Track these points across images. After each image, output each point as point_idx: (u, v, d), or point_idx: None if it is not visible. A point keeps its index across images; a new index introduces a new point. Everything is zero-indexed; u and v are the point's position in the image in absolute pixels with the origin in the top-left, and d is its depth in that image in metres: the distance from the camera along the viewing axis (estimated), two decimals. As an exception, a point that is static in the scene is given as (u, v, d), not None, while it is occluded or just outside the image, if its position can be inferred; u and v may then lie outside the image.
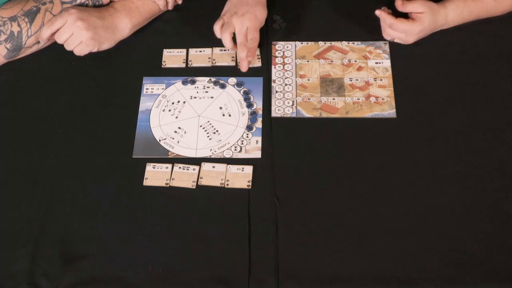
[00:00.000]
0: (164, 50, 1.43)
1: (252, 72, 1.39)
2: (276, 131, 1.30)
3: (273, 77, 1.38)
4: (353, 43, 1.42)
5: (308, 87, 1.36)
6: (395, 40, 1.40)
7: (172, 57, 1.42)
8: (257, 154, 1.26)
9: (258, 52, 1.41)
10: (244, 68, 1.38)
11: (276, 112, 1.32)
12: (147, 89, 1.37)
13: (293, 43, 1.43)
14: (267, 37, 1.44)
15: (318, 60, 1.40)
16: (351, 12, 1.47)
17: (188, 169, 1.24)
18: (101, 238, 1.17)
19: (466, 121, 1.29)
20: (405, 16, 1.37)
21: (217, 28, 1.40)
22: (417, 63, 1.38)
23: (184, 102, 1.35)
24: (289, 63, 1.40)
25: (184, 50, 1.43)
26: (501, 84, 1.35)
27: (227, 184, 1.22)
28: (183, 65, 1.41)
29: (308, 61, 1.40)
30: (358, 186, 1.21)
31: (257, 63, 1.41)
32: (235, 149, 1.27)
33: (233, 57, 1.41)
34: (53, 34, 1.35)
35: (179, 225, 1.18)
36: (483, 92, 1.34)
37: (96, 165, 1.26)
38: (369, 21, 1.42)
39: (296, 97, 1.34)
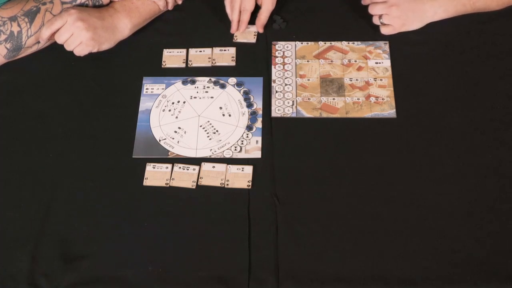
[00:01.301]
0: (164, 50, 1.43)
1: (252, 72, 1.39)
2: (276, 131, 1.30)
3: (273, 77, 1.38)
4: (353, 43, 1.42)
5: (308, 87, 1.36)
6: (385, 21, 1.38)
7: (172, 57, 1.42)
8: (257, 154, 1.26)
9: (255, 30, 1.44)
10: (231, 30, 1.44)
11: (276, 112, 1.32)
12: (147, 89, 1.37)
13: (293, 43, 1.43)
14: (267, 37, 1.44)
15: (318, 60, 1.40)
16: (351, 12, 1.47)
17: (188, 169, 1.24)
18: (101, 238, 1.17)
19: (466, 121, 1.29)
20: None
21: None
22: (417, 63, 1.38)
23: (184, 102, 1.35)
24: (289, 63, 1.40)
25: (184, 50, 1.43)
26: (501, 84, 1.35)
27: (227, 184, 1.22)
28: (183, 65, 1.41)
29: (308, 61, 1.40)
30: (358, 186, 1.21)
31: (252, 39, 1.43)
32: (235, 149, 1.27)
33: (233, 57, 1.41)
34: (53, 34, 1.35)
35: (179, 225, 1.18)
36: (483, 92, 1.34)
37: (96, 165, 1.26)
38: (369, 21, 1.42)
39: (296, 97, 1.34)
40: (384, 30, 1.40)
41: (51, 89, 1.38)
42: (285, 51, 1.42)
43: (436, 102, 1.32)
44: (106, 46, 1.39)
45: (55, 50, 1.39)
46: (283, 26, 1.46)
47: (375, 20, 1.41)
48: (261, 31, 1.44)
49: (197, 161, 1.25)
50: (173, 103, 1.35)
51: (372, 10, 1.40)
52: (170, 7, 1.47)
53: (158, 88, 1.37)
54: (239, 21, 1.44)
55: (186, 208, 1.20)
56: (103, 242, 1.16)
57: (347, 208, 1.18)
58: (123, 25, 1.40)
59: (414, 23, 1.40)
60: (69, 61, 1.40)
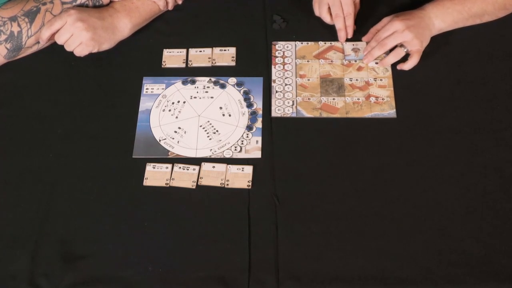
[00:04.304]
0: (164, 50, 1.43)
1: (252, 72, 1.39)
2: (276, 131, 1.30)
3: (273, 77, 1.38)
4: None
5: (308, 87, 1.36)
6: (410, 47, 1.34)
7: (172, 57, 1.42)
8: (257, 154, 1.26)
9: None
10: (341, 38, 1.41)
11: (276, 112, 1.32)
12: (147, 89, 1.37)
13: (293, 43, 1.43)
14: (267, 37, 1.44)
15: (318, 60, 1.40)
16: (351, 12, 1.47)
17: (188, 169, 1.24)
18: (101, 238, 1.17)
19: (466, 121, 1.29)
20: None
21: (315, 7, 1.45)
22: (417, 63, 1.38)
23: (184, 102, 1.35)
24: (289, 63, 1.40)
25: (184, 50, 1.43)
26: (501, 84, 1.35)
27: (227, 184, 1.22)
28: (183, 65, 1.41)
29: (308, 61, 1.40)
30: (358, 186, 1.21)
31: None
32: (235, 149, 1.27)
33: (233, 57, 1.41)
34: (53, 34, 1.35)
35: (179, 225, 1.18)
36: (483, 92, 1.34)
37: (96, 165, 1.26)
38: (369, 21, 1.42)
39: (296, 97, 1.34)
40: (414, 61, 1.35)
41: (51, 89, 1.38)
42: (285, 51, 1.42)
43: (436, 102, 1.32)
44: (106, 46, 1.39)
45: (55, 50, 1.39)
46: (283, 26, 1.46)
47: (399, 53, 1.35)
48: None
49: (197, 161, 1.25)
50: (173, 103, 1.35)
51: (386, 44, 1.35)
52: (170, 7, 1.47)
53: (158, 88, 1.37)
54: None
55: (186, 208, 1.20)
56: (103, 242, 1.16)
57: (347, 208, 1.18)
58: (123, 25, 1.40)
59: (427, 38, 1.36)
60: (69, 61, 1.40)
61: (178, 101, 1.35)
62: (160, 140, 1.29)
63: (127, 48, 1.42)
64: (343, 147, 1.27)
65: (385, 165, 1.24)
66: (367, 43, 1.40)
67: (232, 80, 1.38)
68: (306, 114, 1.32)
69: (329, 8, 1.42)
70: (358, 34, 1.43)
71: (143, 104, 1.35)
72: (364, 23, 1.44)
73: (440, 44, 1.40)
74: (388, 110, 1.31)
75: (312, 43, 1.43)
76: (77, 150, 1.28)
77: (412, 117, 1.30)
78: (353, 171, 1.23)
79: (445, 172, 1.23)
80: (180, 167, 1.24)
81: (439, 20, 1.37)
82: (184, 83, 1.38)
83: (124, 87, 1.38)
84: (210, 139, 1.29)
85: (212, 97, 1.35)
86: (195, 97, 1.36)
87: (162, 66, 1.41)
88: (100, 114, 1.33)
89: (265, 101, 1.34)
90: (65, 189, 1.23)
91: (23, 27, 1.34)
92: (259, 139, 1.28)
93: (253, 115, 1.32)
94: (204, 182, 1.23)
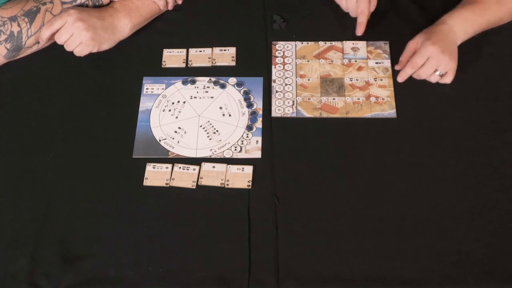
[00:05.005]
0: (164, 50, 1.43)
1: (252, 72, 1.39)
2: (276, 131, 1.30)
3: (273, 77, 1.38)
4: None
5: (308, 87, 1.36)
6: (444, 71, 1.32)
7: (172, 57, 1.42)
8: (257, 154, 1.26)
9: None
10: (358, 32, 1.42)
11: (276, 112, 1.32)
12: (147, 89, 1.37)
13: (293, 43, 1.43)
14: (267, 37, 1.44)
15: (318, 60, 1.40)
16: (351, 12, 1.47)
17: (188, 169, 1.24)
18: (101, 238, 1.17)
19: (466, 121, 1.29)
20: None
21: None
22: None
23: (184, 102, 1.35)
24: (289, 63, 1.40)
25: (184, 50, 1.43)
26: (502, 84, 1.35)
27: (227, 184, 1.22)
28: (183, 65, 1.41)
29: (308, 61, 1.40)
30: (358, 186, 1.21)
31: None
32: (235, 149, 1.27)
33: (233, 57, 1.41)
34: (53, 34, 1.35)
35: (179, 225, 1.18)
36: (483, 92, 1.34)
37: (96, 165, 1.26)
38: (370, 21, 1.42)
39: (296, 97, 1.34)
40: (449, 78, 1.32)
41: (51, 89, 1.38)
42: (285, 51, 1.42)
43: (436, 102, 1.32)
44: (106, 46, 1.39)
45: (55, 50, 1.39)
46: (283, 26, 1.46)
47: (434, 79, 1.33)
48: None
49: (197, 161, 1.25)
50: (173, 103, 1.35)
51: (426, 73, 1.32)
52: (170, 7, 1.47)
53: (158, 88, 1.37)
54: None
55: (186, 208, 1.20)
56: (103, 242, 1.16)
57: (347, 208, 1.18)
58: (123, 25, 1.40)
59: (457, 54, 1.34)
60: (69, 61, 1.39)
61: (178, 101, 1.35)
62: (160, 140, 1.29)
63: (127, 48, 1.42)
64: (343, 147, 1.27)
65: (385, 165, 1.24)
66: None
67: (232, 80, 1.38)
68: (306, 114, 1.32)
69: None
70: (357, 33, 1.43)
71: (143, 104, 1.35)
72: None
73: (440, 44, 1.40)
74: (388, 110, 1.31)
75: (312, 43, 1.43)
76: (77, 150, 1.28)
77: (412, 117, 1.30)
78: (353, 171, 1.23)
79: (445, 172, 1.22)
80: (180, 167, 1.24)
81: (462, 32, 1.36)
82: (184, 83, 1.38)
83: (124, 87, 1.38)
84: (210, 139, 1.29)
85: (212, 97, 1.35)
86: (195, 97, 1.36)
87: (162, 66, 1.41)
88: (100, 114, 1.33)
89: (265, 101, 1.34)
90: (65, 189, 1.23)
91: (23, 27, 1.34)
92: (259, 139, 1.28)
93: (253, 115, 1.32)
94: (204, 182, 1.23)
